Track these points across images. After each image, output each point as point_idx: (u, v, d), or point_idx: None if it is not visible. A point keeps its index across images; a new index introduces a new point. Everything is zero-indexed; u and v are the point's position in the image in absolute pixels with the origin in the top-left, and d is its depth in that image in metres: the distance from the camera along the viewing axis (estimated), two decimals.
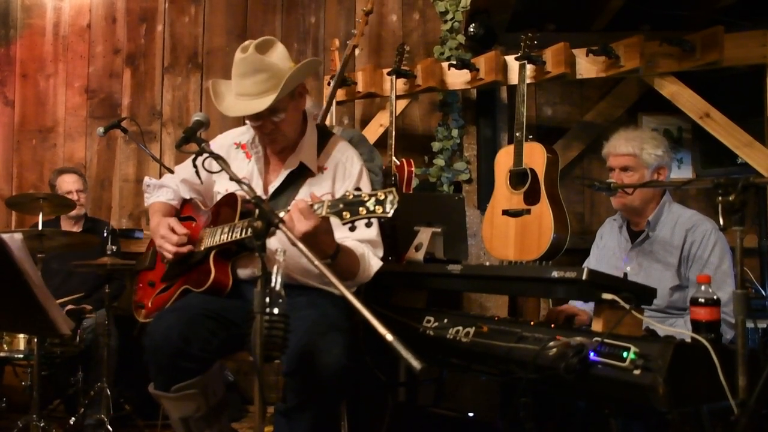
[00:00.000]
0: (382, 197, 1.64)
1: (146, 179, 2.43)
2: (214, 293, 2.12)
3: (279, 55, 2.11)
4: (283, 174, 2.21)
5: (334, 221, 1.90)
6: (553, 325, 1.96)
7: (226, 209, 2.18)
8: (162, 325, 1.98)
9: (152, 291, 2.31)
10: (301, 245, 1.53)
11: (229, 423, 2.26)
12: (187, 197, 2.40)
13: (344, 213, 1.69)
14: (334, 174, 2.20)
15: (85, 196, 3.79)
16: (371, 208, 1.65)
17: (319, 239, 1.82)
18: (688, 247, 2.33)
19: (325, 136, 2.29)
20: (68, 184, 3.70)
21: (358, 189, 1.73)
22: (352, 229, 1.71)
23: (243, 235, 2.01)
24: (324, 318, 1.97)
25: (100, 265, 3.12)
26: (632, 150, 2.42)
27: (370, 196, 1.66)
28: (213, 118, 2.11)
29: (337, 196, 2.13)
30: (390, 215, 1.63)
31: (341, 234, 1.96)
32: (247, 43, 2.09)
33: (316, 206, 1.78)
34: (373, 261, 2.12)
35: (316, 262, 1.50)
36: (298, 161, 2.20)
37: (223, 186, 2.26)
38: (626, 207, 2.47)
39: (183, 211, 2.39)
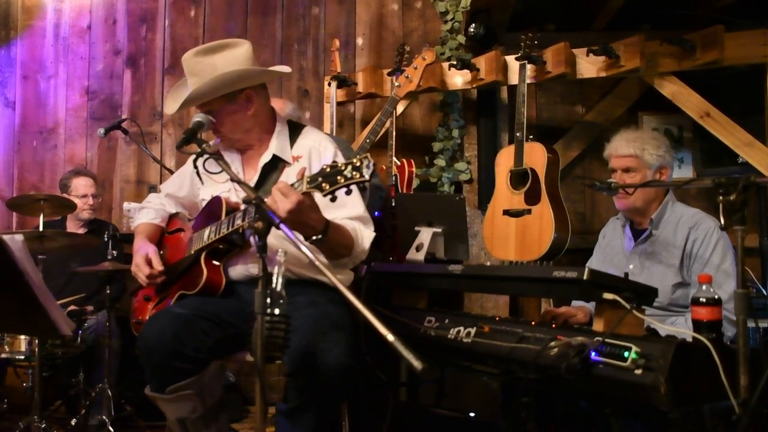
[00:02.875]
0: (358, 163, 1.65)
1: (125, 204, 2.50)
2: (208, 293, 2.13)
3: (226, 57, 2.12)
4: (259, 168, 2.22)
5: (320, 202, 1.89)
6: (554, 325, 1.96)
7: (211, 213, 2.20)
8: (155, 326, 1.98)
9: (149, 305, 2.32)
10: (300, 245, 1.53)
11: (228, 424, 2.26)
12: (173, 211, 2.44)
13: (323, 185, 1.70)
14: (309, 160, 2.20)
15: (98, 201, 3.80)
16: (349, 176, 1.66)
17: (305, 216, 1.83)
18: (690, 245, 2.33)
19: (296, 129, 2.30)
20: (84, 187, 3.70)
21: (334, 162, 1.73)
22: (333, 199, 1.71)
23: (229, 230, 2.03)
24: (325, 317, 1.97)
25: (101, 269, 3.13)
26: (634, 151, 2.42)
27: (346, 164, 1.67)
28: None
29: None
30: (367, 179, 1.64)
31: (329, 215, 1.97)
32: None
33: (295, 184, 1.80)
34: (366, 233, 2.11)
35: (317, 263, 1.50)
36: (271, 154, 2.22)
37: (208, 192, 2.28)
38: (629, 208, 2.47)
39: (171, 225, 2.43)
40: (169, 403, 2.02)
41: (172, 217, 2.44)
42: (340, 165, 1.68)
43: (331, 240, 1.95)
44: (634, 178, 2.41)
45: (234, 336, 2.03)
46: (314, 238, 1.90)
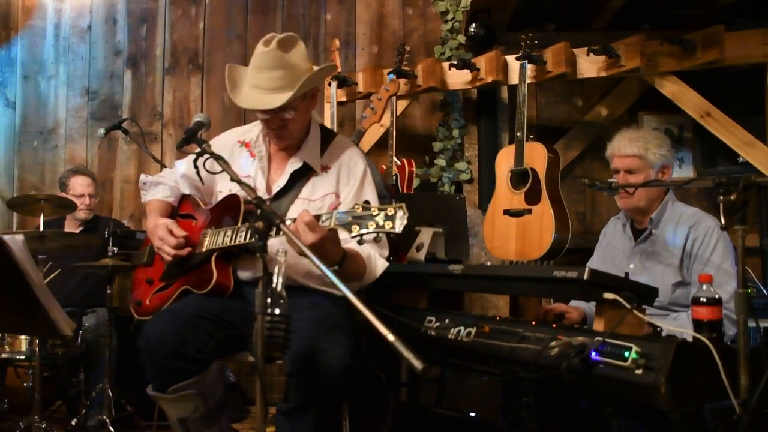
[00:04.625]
0: (392, 212, 1.63)
1: (142, 176, 2.41)
2: (216, 295, 2.12)
3: (299, 54, 2.10)
4: (287, 173, 2.20)
5: None
6: (555, 325, 1.96)
7: (228, 210, 2.16)
8: (157, 326, 1.98)
9: (150, 288, 2.28)
10: (302, 246, 1.53)
11: (229, 423, 2.26)
12: (187, 192, 2.36)
13: (353, 226, 1.68)
14: (338, 174, 2.20)
15: (95, 201, 3.78)
16: (380, 223, 1.64)
17: (325, 249, 1.80)
18: (690, 245, 2.33)
19: (328, 136, 2.29)
20: (81, 186, 3.67)
21: (367, 202, 1.71)
22: (360, 242, 1.70)
23: (246, 240, 2.00)
24: (326, 318, 1.97)
25: (101, 266, 3.12)
26: (637, 151, 2.41)
27: (380, 210, 1.65)
28: (214, 119, 2.11)
29: (342, 196, 2.14)
30: (399, 232, 1.62)
31: (346, 235, 1.96)
32: (269, 36, 2.08)
33: (323, 218, 1.77)
34: (380, 261, 2.12)
35: (317, 263, 1.50)
36: (302, 161, 2.19)
37: (226, 186, 2.22)
38: (632, 207, 2.47)
39: (182, 207, 2.36)
40: (171, 403, 2.02)
41: (185, 198, 2.37)
42: (372, 209, 1.66)
43: (346, 269, 1.95)
44: (637, 178, 2.40)
45: (235, 336, 2.03)
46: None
